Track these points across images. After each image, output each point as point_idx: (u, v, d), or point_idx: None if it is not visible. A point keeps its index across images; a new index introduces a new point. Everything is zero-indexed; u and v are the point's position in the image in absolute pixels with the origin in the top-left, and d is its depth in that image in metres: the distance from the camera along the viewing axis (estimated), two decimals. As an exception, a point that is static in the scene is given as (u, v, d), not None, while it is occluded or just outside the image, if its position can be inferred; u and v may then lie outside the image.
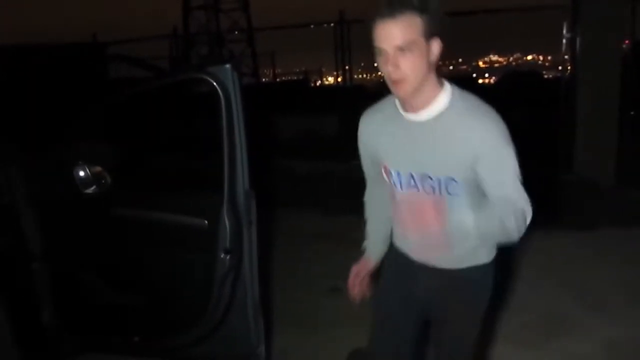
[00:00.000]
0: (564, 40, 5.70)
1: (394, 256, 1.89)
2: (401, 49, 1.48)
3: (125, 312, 2.49)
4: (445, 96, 1.58)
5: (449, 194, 1.60)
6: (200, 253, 2.21)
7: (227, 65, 2.06)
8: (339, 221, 4.61)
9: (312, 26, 7.72)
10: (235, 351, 2.35)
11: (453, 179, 1.58)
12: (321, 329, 3.19)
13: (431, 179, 1.61)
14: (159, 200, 2.37)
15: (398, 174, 1.68)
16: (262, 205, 2.23)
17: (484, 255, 1.75)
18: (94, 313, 2.57)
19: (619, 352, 2.88)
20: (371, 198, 1.94)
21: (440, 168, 1.59)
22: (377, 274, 1.97)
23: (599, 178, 5.17)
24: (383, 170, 1.73)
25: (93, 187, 2.29)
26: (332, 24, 6.87)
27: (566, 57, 5.79)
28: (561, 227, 4.39)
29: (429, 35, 1.50)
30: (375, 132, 1.72)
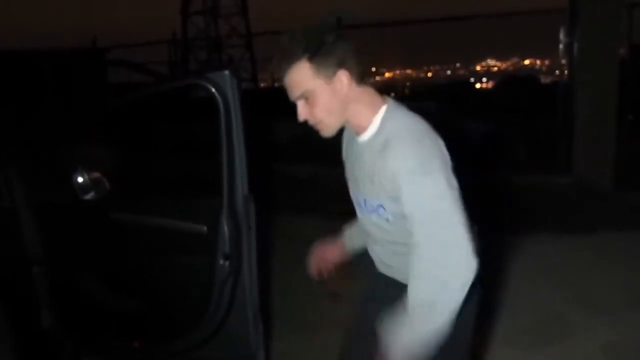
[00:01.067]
0: (561, 45, 5.73)
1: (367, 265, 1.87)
2: (304, 98, 1.47)
3: (125, 316, 2.49)
4: (377, 119, 1.51)
5: (383, 219, 1.55)
6: (199, 258, 2.21)
7: (226, 72, 2.04)
8: (339, 225, 4.60)
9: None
10: (235, 356, 2.35)
11: (381, 206, 1.53)
12: (321, 333, 3.18)
13: (366, 201, 1.59)
14: (158, 205, 2.37)
15: (352, 190, 1.70)
16: (261, 210, 2.23)
17: None
18: (94, 317, 2.56)
19: (618, 355, 2.89)
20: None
21: (370, 192, 1.55)
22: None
23: (598, 181, 5.18)
24: None
25: (92, 194, 2.28)
26: (329, 29, 6.88)
27: (564, 61, 5.81)
28: (560, 230, 4.40)
29: (327, 75, 1.44)
30: (344, 148, 1.76)
